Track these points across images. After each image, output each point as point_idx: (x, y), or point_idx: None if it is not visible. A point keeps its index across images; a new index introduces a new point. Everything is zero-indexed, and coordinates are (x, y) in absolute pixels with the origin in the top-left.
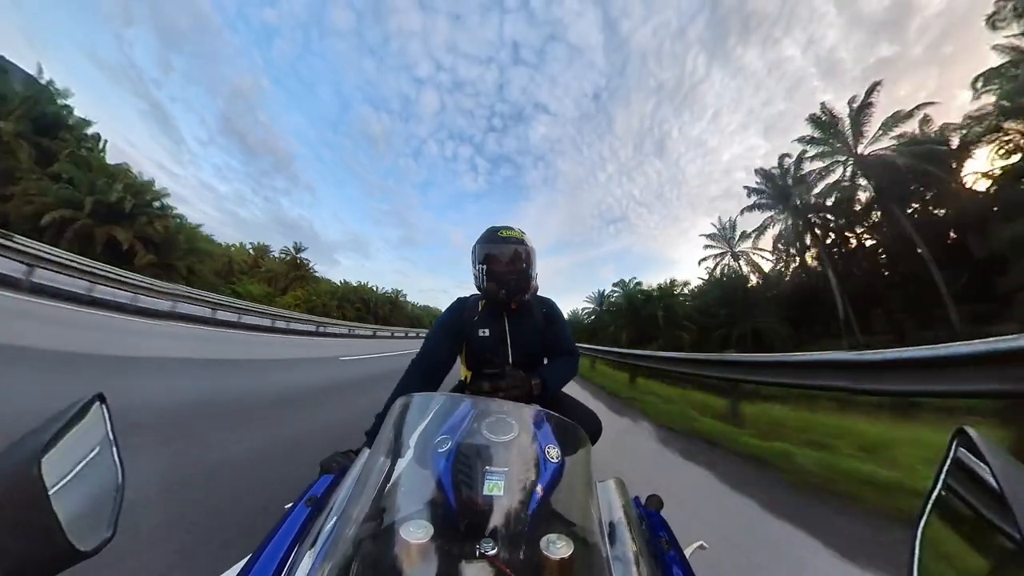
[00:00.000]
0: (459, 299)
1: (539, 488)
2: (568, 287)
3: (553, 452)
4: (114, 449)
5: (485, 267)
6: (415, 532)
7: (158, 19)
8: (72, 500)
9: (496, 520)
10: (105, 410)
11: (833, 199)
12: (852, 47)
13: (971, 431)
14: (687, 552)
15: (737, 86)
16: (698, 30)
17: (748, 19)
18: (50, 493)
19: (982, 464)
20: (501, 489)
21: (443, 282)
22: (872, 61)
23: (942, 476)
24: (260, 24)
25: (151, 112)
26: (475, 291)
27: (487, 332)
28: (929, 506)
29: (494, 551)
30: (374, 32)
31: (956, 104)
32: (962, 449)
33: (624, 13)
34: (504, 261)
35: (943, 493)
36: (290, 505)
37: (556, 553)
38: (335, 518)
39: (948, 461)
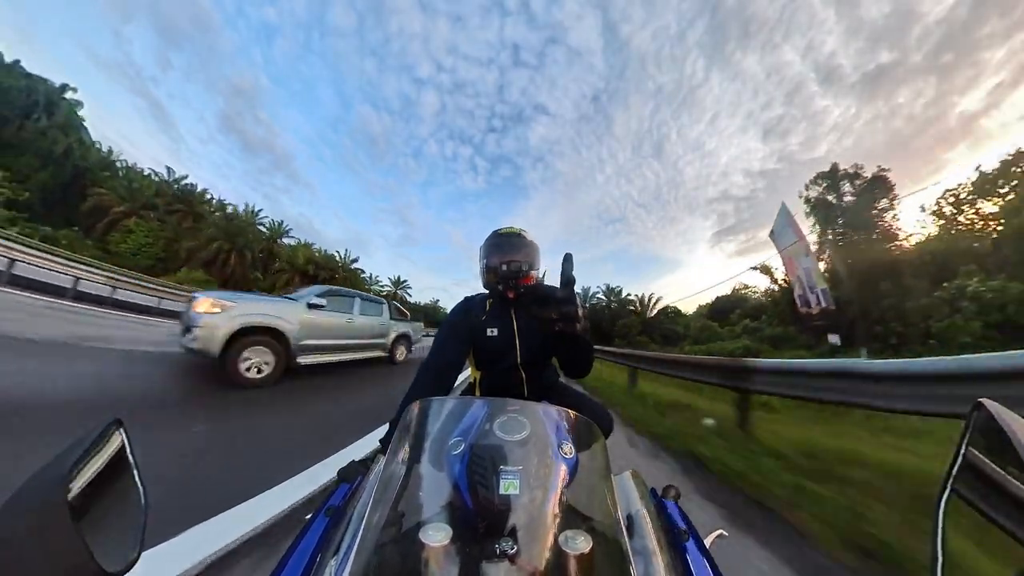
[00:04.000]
0: (465, 298)
1: (555, 485)
2: None
3: (567, 448)
4: (135, 472)
5: (485, 261)
6: (435, 535)
7: (157, 16)
8: (98, 524)
9: (514, 519)
10: (124, 434)
11: None
12: (851, 53)
13: (989, 403)
14: (707, 541)
15: (736, 90)
16: (697, 34)
17: (747, 24)
18: (77, 518)
19: (1002, 435)
20: (517, 488)
21: (443, 281)
22: (872, 67)
23: (962, 450)
24: (260, 23)
25: (149, 109)
26: (481, 290)
27: (495, 331)
28: (951, 480)
29: (514, 550)
30: (375, 33)
31: None
32: (981, 421)
33: (624, 17)
34: (501, 252)
35: (963, 466)
36: (310, 516)
37: (575, 549)
38: (355, 526)
39: (968, 434)
